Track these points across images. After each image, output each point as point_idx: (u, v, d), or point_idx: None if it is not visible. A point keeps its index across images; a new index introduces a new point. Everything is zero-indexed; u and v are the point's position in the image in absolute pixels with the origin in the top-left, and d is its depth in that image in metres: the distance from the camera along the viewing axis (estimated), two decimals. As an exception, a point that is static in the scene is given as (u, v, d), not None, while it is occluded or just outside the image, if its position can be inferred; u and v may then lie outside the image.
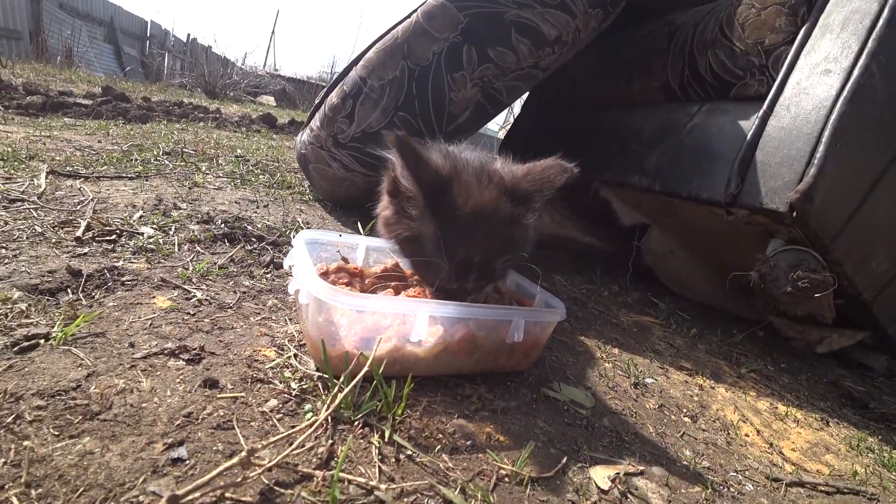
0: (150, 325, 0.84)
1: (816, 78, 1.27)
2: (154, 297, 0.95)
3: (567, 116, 2.32)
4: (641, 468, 0.81)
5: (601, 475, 0.76)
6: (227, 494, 0.51)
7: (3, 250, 1.02)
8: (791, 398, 1.26)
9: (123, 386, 0.66)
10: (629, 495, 0.74)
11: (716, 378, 1.29)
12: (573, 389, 1.01)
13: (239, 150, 2.58)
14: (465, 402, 0.83)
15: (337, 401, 0.67)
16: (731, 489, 0.84)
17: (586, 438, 0.85)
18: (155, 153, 2.08)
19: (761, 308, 1.61)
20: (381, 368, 0.75)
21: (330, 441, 0.64)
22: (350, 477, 0.59)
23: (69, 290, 0.91)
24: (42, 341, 0.73)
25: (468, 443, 0.72)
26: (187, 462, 0.56)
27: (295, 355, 0.84)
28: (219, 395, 0.69)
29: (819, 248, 1.27)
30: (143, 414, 0.62)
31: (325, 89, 1.79)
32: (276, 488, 0.54)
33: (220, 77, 5.87)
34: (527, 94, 2.81)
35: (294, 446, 0.59)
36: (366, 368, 0.71)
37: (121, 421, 0.60)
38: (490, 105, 1.63)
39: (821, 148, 1.20)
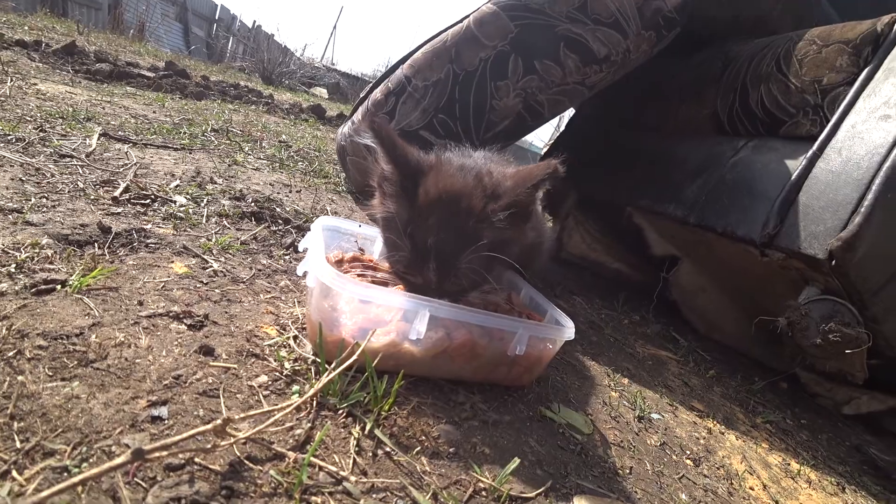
0: (163, 287, 0.86)
1: (874, 123, 1.19)
2: (172, 262, 0.97)
3: (610, 138, 2.27)
4: (631, 505, 0.77)
5: (585, 504, 0.72)
6: (197, 460, 0.51)
7: (45, 200, 1.07)
8: (807, 456, 1.18)
9: (122, 340, 0.67)
10: (612, 531, 0.70)
11: (727, 424, 1.22)
12: (572, 413, 0.98)
13: (284, 136, 2.64)
14: (457, 409, 0.81)
15: (321, 383, 0.66)
16: (725, 542, 0.78)
17: (577, 465, 0.81)
18: (203, 129, 2.16)
19: (788, 359, 1.52)
20: (375, 361, 0.74)
21: (310, 425, 0.63)
22: (322, 464, 0.57)
23: (96, 245, 0.95)
24: (59, 287, 0.75)
25: (451, 450, 0.70)
26: (166, 422, 0.56)
27: (295, 337, 0.84)
28: (211, 363, 0.70)
29: (856, 301, 1.19)
30: (134, 369, 0.63)
31: (371, 84, 1.81)
32: (246, 462, 0.54)
33: (279, 65, 6.04)
34: (572, 110, 2.77)
35: (270, 422, 0.58)
36: (355, 356, 0.70)
37: (112, 372, 0.61)
38: (531, 117, 1.61)
39: (869, 196, 1.12)
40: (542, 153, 2.79)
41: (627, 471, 0.86)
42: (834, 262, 1.15)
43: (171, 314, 0.78)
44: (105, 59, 2.66)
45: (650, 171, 1.88)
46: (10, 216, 0.94)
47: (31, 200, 1.03)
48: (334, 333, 0.75)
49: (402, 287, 0.90)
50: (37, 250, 0.84)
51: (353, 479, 0.57)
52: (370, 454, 0.64)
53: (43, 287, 0.73)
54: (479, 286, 0.92)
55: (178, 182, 1.43)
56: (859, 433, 1.45)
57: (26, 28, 2.84)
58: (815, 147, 1.29)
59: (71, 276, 0.78)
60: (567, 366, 1.20)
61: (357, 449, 0.63)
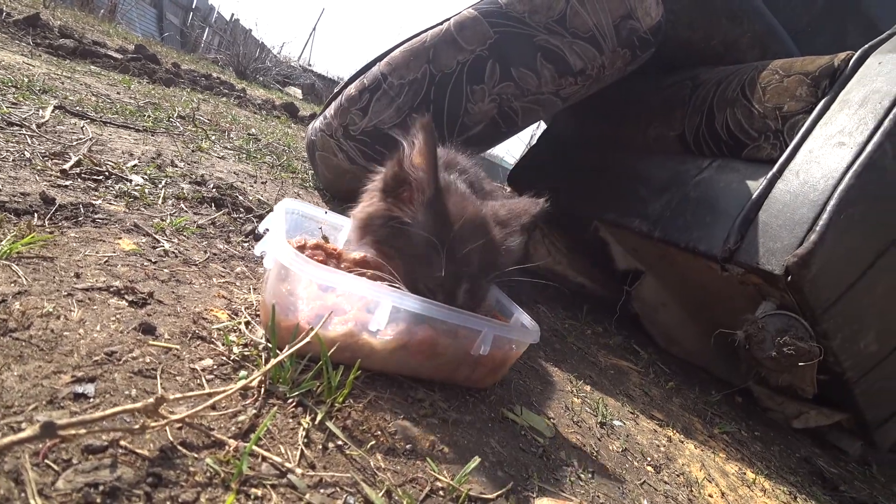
0: (106, 262, 0.79)
1: (829, 149, 1.23)
2: (120, 238, 0.89)
3: (580, 154, 2.30)
4: (592, 509, 0.73)
5: (546, 507, 0.69)
6: (122, 442, 0.45)
7: None
8: (761, 466, 1.18)
9: (51, 311, 0.60)
10: (572, 535, 0.66)
11: (686, 433, 1.22)
12: (534, 416, 0.94)
13: (253, 129, 2.55)
14: (416, 406, 0.76)
15: (269, 367, 0.60)
16: (684, 550, 0.76)
17: (539, 468, 0.78)
18: (169, 114, 2.05)
19: (744, 373, 1.54)
20: (331, 350, 0.69)
21: (255, 412, 0.57)
22: (266, 454, 0.52)
23: (36, 215, 0.86)
24: None
25: (408, 446, 0.65)
26: (91, 400, 0.49)
27: (247, 323, 0.78)
28: (151, 342, 0.63)
29: (809, 317, 1.21)
30: (60, 342, 0.56)
31: (346, 80, 1.77)
32: (179, 448, 0.48)
33: (254, 60, 5.91)
34: (543, 125, 2.80)
35: (209, 403, 0.52)
36: (305, 340, 0.65)
37: (34, 344, 0.54)
38: (504, 123, 1.60)
39: (824, 216, 1.15)
40: (513, 166, 2.80)
41: (590, 475, 0.83)
42: (790, 277, 1.17)
43: (111, 289, 0.71)
44: (70, 35, 2.51)
45: (617, 187, 1.90)
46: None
47: None
48: (289, 318, 0.70)
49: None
50: (-36, 215, 0.75)
51: (299, 471, 0.51)
52: (320, 447, 0.58)
53: None
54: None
55: (136, 162, 1.34)
56: (808, 446, 1.48)
57: (-15, -3, 2.67)
58: (774, 169, 1.32)
59: (0, 241, 0.70)
60: (530, 370, 1.17)
61: (306, 441, 0.58)
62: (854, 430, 1.49)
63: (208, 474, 0.47)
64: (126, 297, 0.70)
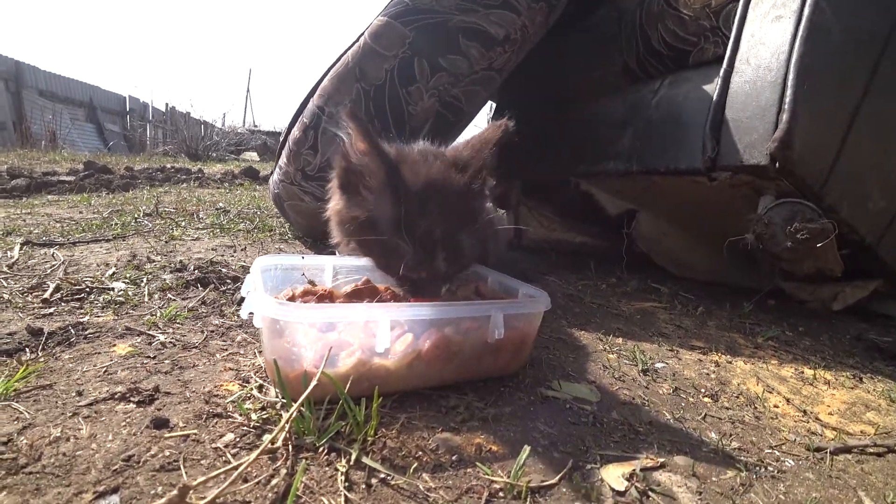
0: (105, 372, 0.76)
1: (769, 26, 1.19)
2: (114, 346, 0.86)
3: (535, 119, 2.26)
4: (661, 460, 0.68)
5: (615, 475, 0.64)
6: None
7: None
8: (816, 360, 1.13)
9: (59, 435, 0.57)
10: (651, 493, 0.61)
11: (732, 352, 1.17)
12: (575, 385, 0.90)
13: (220, 204, 2.51)
14: (451, 414, 0.72)
15: (287, 422, 0.56)
16: (770, 468, 0.71)
17: (594, 436, 0.73)
18: (135, 216, 2.02)
19: (766, 273, 1.49)
20: (347, 386, 0.64)
21: (286, 472, 0.53)
22: None
23: (28, 350, 0.83)
24: None
25: (454, 457, 0.61)
26: (116, 514, 0.45)
27: (260, 387, 0.73)
28: (167, 435, 0.59)
29: (811, 195, 1.17)
30: (75, 463, 0.53)
31: (287, 125, 1.74)
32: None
33: (202, 139, 5.93)
34: (494, 105, 2.76)
35: (235, 476, 0.48)
36: (314, 381, 0.60)
37: (48, 472, 0.51)
38: (451, 113, 1.56)
39: (788, 93, 1.11)
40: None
41: (648, 426, 0.78)
42: (777, 163, 1.13)
43: (115, 396, 0.68)
44: (20, 174, 2.49)
45: (582, 138, 1.86)
46: None
47: None
48: (295, 369, 0.66)
49: (388, 293, 0.82)
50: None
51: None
52: (363, 486, 0.54)
53: None
54: (473, 262, 0.88)
55: (113, 269, 1.30)
56: (854, 323, 1.43)
57: (-75, 168, 2.65)
58: (724, 65, 1.28)
59: (-8, 388, 0.66)
60: (557, 342, 1.13)
61: (347, 484, 0.53)
62: (893, 293, 1.44)
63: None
64: (132, 399, 0.67)
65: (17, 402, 0.65)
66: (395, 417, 0.67)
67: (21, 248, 1.43)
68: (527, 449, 0.61)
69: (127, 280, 1.22)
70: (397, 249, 0.78)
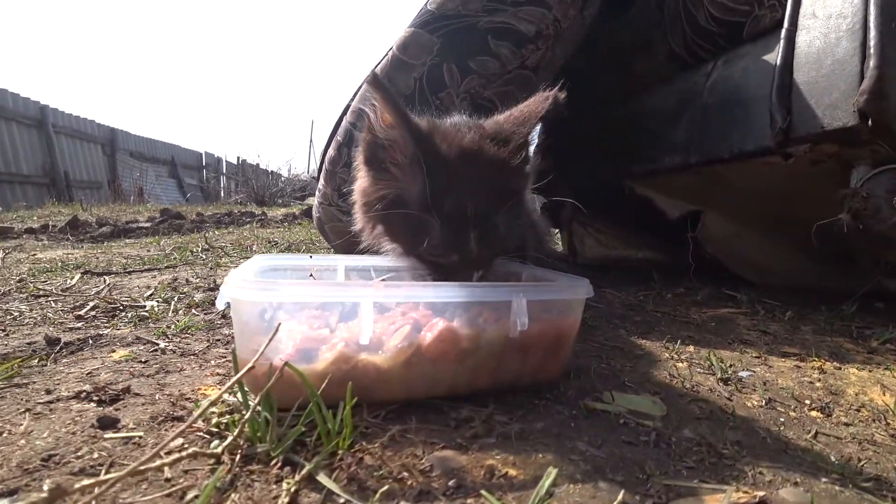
0: (88, 374, 0.69)
1: (840, -32, 0.97)
2: (114, 351, 0.80)
3: (581, 125, 2.08)
4: (760, 494, 0.46)
5: (689, 511, 0.43)
6: None
7: (1, 332, 0.91)
8: (963, 366, 0.83)
9: None
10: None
11: (838, 358, 0.89)
12: (633, 397, 0.69)
13: (276, 239, 2.53)
14: (461, 428, 0.54)
15: (241, 426, 0.42)
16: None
17: (658, 460, 0.52)
18: (193, 250, 2.05)
19: (868, 269, 1.18)
20: (321, 388, 0.49)
21: (214, 485, 0.38)
22: None
23: (41, 358, 0.78)
24: None
25: (450, 482, 0.43)
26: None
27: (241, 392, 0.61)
28: (107, 436, 0.50)
29: (923, 156, 0.90)
30: None
31: (324, 146, 1.70)
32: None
33: (268, 187, 6.26)
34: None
35: (110, 483, 0.34)
36: (273, 381, 0.46)
37: None
38: (484, 116, 1.43)
39: (872, 35, 0.87)
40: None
41: (736, 447, 0.56)
42: (870, 121, 0.88)
43: (80, 395, 0.61)
44: (106, 223, 2.69)
45: (632, 138, 1.66)
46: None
47: None
48: (244, 355, 0.52)
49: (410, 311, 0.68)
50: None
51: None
52: None
53: None
54: (512, 251, 0.74)
55: (152, 291, 1.27)
56: None
57: (35, 218, 2.92)
58: (786, 24, 1.06)
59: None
60: (610, 350, 0.91)
61: None
62: None
63: None
64: (94, 398, 0.60)
65: None
66: (384, 429, 0.51)
67: (80, 277, 1.45)
68: (552, 472, 0.42)
69: (160, 299, 1.18)
70: (425, 227, 0.65)
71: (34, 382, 0.65)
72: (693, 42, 1.38)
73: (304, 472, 0.41)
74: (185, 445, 0.47)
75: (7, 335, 0.90)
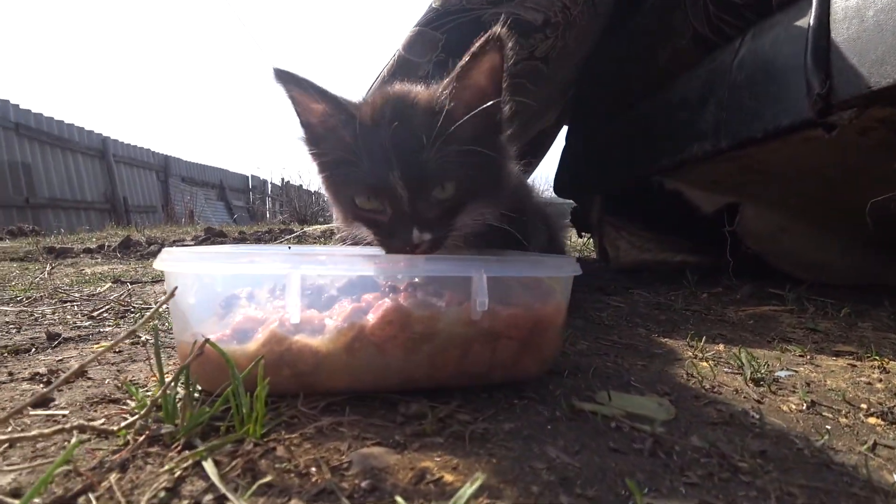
0: (59, 360, 0.68)
1: None
2: (98, 343, 0.79)
3: (607, 124, 1.95)
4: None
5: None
6: None
7: (13, 330, 0.92)
8: None
9: None
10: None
11: (907, 358, 0.71)
12: (634, 398, 0.56)
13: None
14: (408, 425, 0.44)
15: (150, 405, 0.36)
16: None
17: (650, 471, 0.40)
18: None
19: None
20: (245, 370, 0.42)
21: (101, 462, 0.32)
22: None
23: (33, 349, 0.77)
24: None
25: (363, 484, 0.34)
26: None
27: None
28: (31, 413, 0.47)
29: None
30: None
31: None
32: None
33: (308, 206, 6.41)
34: (564, 128, 2.50)
35: None
36: (191, 358, 0.39)
37: None
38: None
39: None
40: (554, 176, 2.48)
41: (756, 460, 0.43)
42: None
43: (35, 377, 0.59)
44: (155, 242, 2.81)
45: (658, 129, 1.51)
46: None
47: None
48: (184, 338, 0.46)
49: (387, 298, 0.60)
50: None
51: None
52: (186, 500, 0.30)
53: None
54: (465, 207, 0.62)
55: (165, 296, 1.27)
56: None
57: (93, 239, 3.10)
58: (824, -20, 0.91)
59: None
60: (622, 349, 0.79)
61: (164, 495, 0.31)
62: None
63: None
64: (44, 380, 0.57)
65: None
66: (314, 419, 0.43)
67: (109, 286, 1.48)
68: (478, 479, 0.32)
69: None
70: (356, 181, 0.60)
71: (4, 366, 0.63)
72: (717, 18, 1.24)
73: (191, 457, 0.33)
74: (104, 424, 0.41)
75: (19, 331, 0.91)
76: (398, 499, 0.31)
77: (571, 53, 1.43)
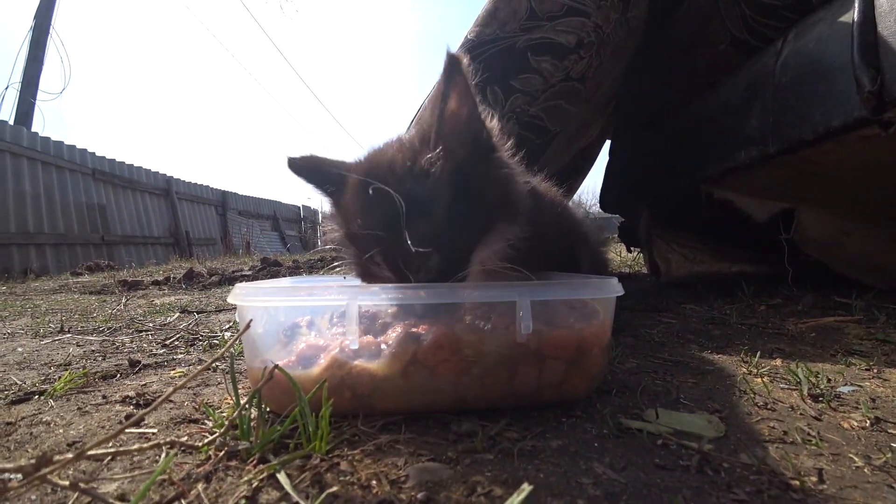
0: (142, 386, 0.76)
1: None
2: (173, 369, 0.88)
3: (648, 139, 1.93)
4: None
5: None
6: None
7: (99, 358, 1.05)
8: None
9: (48, 420, 0.59)
10: None
11: None
12: (683, 416, 0.57)
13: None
14: (458, 442, 0.48)
15: (229, 423, 0.42)
16: None
17: (698, 488, 0.42)
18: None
19: None
20: (310, 393, 0.48)
21: (188, 474, 0.39)
22: None
23: (119, 375, 0.87)
24: (36, 396, 0.71)
25: (420, 496, 0.38)
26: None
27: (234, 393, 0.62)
28: (127, 431, 0.54)
29: None
30: (31, 441, 0.53)
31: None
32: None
33: None
34: (607, 147, 2.48)
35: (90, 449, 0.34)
36: (264, 381, 0.45)
37: (14, 441, 0.52)
38: (533, 134, 1.39)
39: None
40: (600, 192, 2.46)
41: (814, 478, 0.43)
42: None
43: (124, 400, 0.67)
44: (216, 273, 3.03)
45: (702, 137, 1.50)
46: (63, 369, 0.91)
47: (88, 359, 1.01)
48: (255, 365, 0.52)
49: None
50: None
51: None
52: None
53: (21, 397, 0.70)
54: (467, 263, 0.62)
55: (231, 324, 1.38)
56: None
57: (160, 272, 3.38)
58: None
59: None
60: (672, 366, 0.79)
61: (244, 503, 0.36)
62: None
63: None
64: (132, 402, 0.66)
65: (52, 399, 0.69)
66: (374, 437, 0.47)
67: (178, 315, 1.62)
68: (525, 489, 0.35)
69: (236, 330, 1.27)
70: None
71: (99, 390, 0.72)
72: (755, 21, 1.23)
73: (266, 470, 0.39)
74: (188, 440, 0.48)
75: (104, 359, 1.03)
76: (454, 509, 0.35)
77: (608, 70, 1.45)
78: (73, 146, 6.43)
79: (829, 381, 0.66)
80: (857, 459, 0.47)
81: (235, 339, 0.51)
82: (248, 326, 0.51)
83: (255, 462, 0.42)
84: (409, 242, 0.55)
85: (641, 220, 2.18)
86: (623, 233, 2.47)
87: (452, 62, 0.58)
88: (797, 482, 0.42)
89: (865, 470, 0.45)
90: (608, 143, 2.46)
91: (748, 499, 0.40)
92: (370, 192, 0.58)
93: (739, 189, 1.45)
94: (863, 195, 1.21)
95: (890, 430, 0.53)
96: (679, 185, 1.69)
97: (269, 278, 3.07)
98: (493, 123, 0.68)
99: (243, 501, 0.38)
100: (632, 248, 2.74)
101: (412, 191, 0.58)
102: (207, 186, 9.64)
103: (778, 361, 0.79)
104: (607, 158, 2.47)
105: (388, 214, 0.57)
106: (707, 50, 1.43)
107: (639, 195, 2.11)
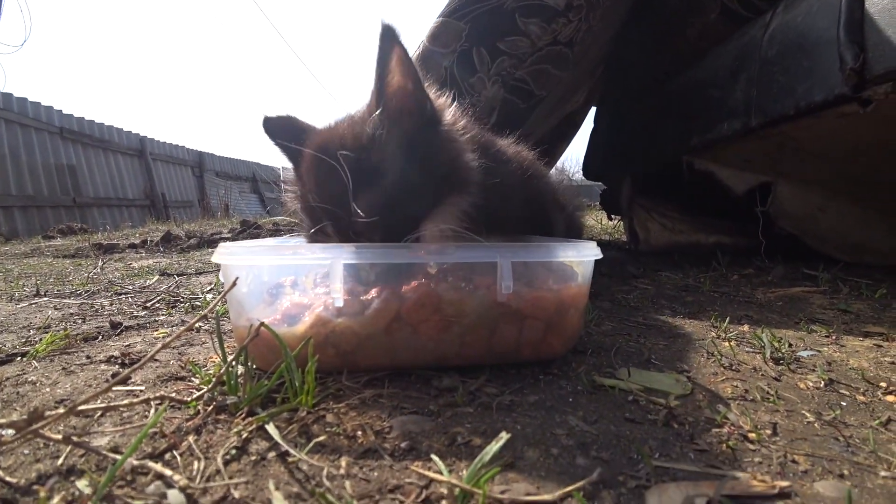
0: (127, 345, 0.76)
1: None
2: (156, 330, 0.88)
3: (634, 106, 1.93)
4: (783, 485, 0.38)
5: (674, 499, 0.36)
6: None
7: (79, 320, 1.04)
8: None
9: (33, 380, 0.59)
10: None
11: (938, 337, 0.72)
12: (652, 374, 0.61)
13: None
14: (440, 397, 0.50)
15: (216, 379, 0.43)
16: None
17: (662, 440, 0.44)
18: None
19: None
20: (295, 350, 0.49)
21: (177, 427, 0.40)
22: (163, 470, 0.33)
23: (101, 336, 0.86)
24: (19, 357, 0.70)
25: (403, 444, 0.40)
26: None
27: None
28: (113, 389, 0.54)
29: None
30: (18, 399, 0.53)
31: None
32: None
33: None
34: (592, 114, 2.47)
35: (81, 404, 0.36)
36: (250, 338, 0.46)
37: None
38: (518, 98, 1.38)
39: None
40: (583, 159, 2.47)
41: (768, 431, 0.47)
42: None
43: (109, 360, 0.68)
44: (194, 235, 2.98)
45: (687, 108, 1.50)
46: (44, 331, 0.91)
47: (68, 322, 1.00)
48: (240, 323, 0.53)
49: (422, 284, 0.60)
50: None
51: (194, 485, 0.31)
52: (253, 457, 0.37)
53: (3, 359, 0.69)
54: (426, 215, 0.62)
55: (211, 286, 1.37)
56: None
57: (136, 235, 3.31)
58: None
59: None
60: (645, 329, 0.82)
61: (234, 451, 0.38)
62: None
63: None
64: (118, 362, 0.66)
65: (35, 360, 0.69)
66: (358, 392, 0.49)
67: (157, 278, 1.60)
68: (503, 437, 0.37)
69: (217, 292, 1.26)
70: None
71: (82, 351, 0.72)
72: (748, -8, 1.22)
73: (255, 422, 0.40)
74: (177, 396, 0.49)
75: (84, 321, 1.01)
76: (433, 457, 0.37)
77: (597, 35, 1.43)
78: (39, 103, 6.06)
79: (790, 345, 0.70)
80: (809, 415, 0.50)
81: (222, 297, 0.51)
82: (234, 284, 0.51)
83: (243, 415, 0.44)
84: (356, 212, 0.56)
85: (623, 188, 2.20)
86: (605, 200, 2.50)
87: (387, 33, 0.57)
88: (754, 434, 0.46)
89: (816, 425, 0.48)
90: (594, 109, 2.45)
91: (709, 448, 0.43)
92: (320, 166, 0.60)
93: (721, 161, 1.48)
94: (839, 173, 1.25)
95: (841, 391, 0.57)
96: (662, 155, 1.70)
97: (248, 239, 3.03)
98: (443, 101, 0.68)
99: (234, 451, 0.40)
100: (612, 216, 2.78)
101: (359, 162, 0.58)
102: (183, 147, 9.30)
103: (745, 327, 0.83)
104: (592, 125, 2.47)
105: (338, 187, 0.58)
106: (697, 18, 1.42)
107: (622, 163, 2.12)
